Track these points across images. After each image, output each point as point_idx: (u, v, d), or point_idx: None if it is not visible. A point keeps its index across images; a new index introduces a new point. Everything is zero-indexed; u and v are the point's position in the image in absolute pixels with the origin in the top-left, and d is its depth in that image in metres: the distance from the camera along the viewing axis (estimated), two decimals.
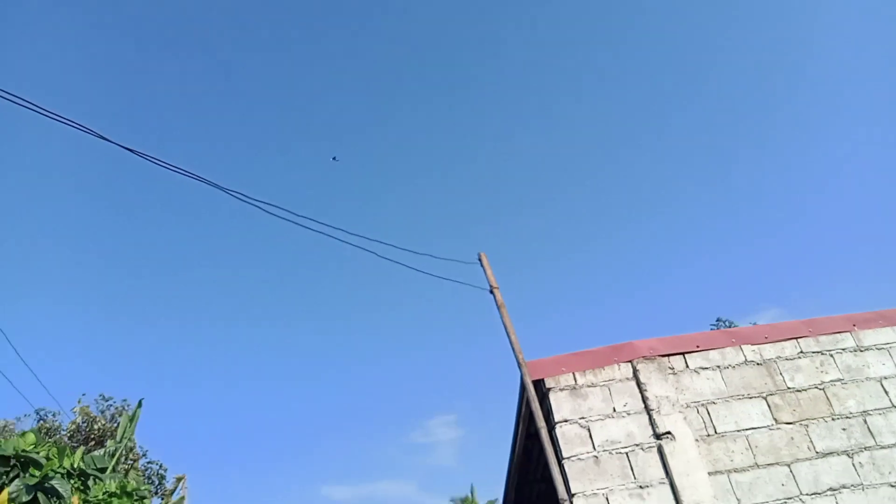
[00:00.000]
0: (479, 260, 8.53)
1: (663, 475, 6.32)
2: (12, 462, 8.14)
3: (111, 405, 24.33)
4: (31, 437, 8.58)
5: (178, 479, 22.36)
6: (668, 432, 6.48)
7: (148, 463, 23.33)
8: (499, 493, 9.62)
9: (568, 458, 6.42)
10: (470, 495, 37.67)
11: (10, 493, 7.89)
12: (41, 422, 22.77)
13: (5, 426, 22.20)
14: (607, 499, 6.22)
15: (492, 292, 8.17)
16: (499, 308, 8.02)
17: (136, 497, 10.05)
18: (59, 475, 8.35)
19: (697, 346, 7.13)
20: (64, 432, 22.63)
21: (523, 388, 7.16)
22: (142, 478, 19.66)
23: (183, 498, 20.84)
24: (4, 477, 8.03)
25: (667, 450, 6.40)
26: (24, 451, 8.20)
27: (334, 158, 44.93)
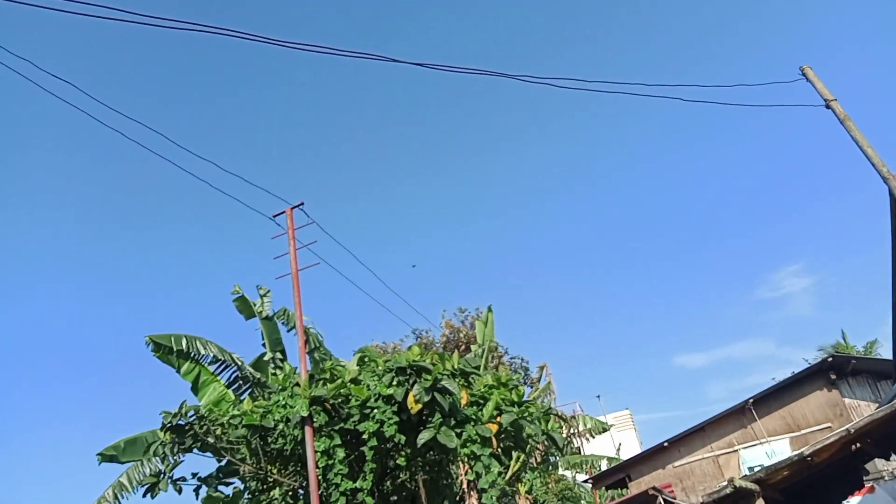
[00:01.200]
0: (803, 74, 7.25)
1: None
2: (408, 371, 9.63)
3: (468, 315, 27.38)
4: (416, 350, 10.02)
5: (541, 368, 24.45)
6: None
7: (511, 358, 25.91)
8: (878, 332, 8.45)
9: None
10: (842, 341, 34.07)
11: (414, 396, 9.38)
12: (419, 339, 26.66)
13: (395, 347, 26.56)
14: None
15: (828, 107, 6.90)
16: (842, 122, 6.76)
17: (510, 387, 11.18)
18: (445, 376, 9.63)
19: None
20: (438, 344, 26.22)
21: (894, 202, 6.02)
22: (509, 371, 21.93)
23: (549, 383, 22.75)
24: (406, 384, 9.55)
25: None
26: (414, 361, 9.63)
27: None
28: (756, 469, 13.00)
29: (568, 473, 23.41)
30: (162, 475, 10.65)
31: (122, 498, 14.48)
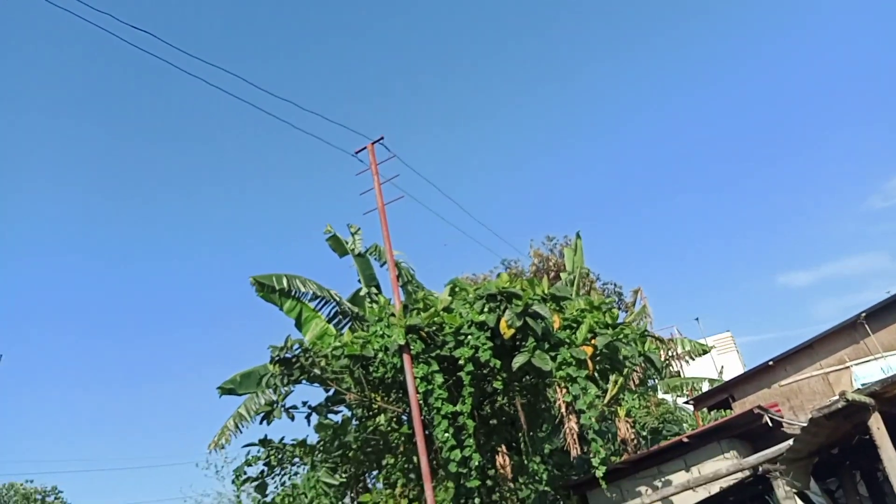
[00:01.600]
0: None
1: None
2: (499, 298, 9.72)
3: (556, 243, 27.15)
4: (505, 276, 10.08)
5: (635, 292, 24.05)
6: None
7: (603, 284, 25.61)
8: None
9: None
10: None
11: (506, 321, 9.49)
12: (508, 269, 26.76)
13: (485, 278, 26.81)
14: None
15: None
16: None
17: (603, 310, 11.09)
18: (536, 301, 9.66)
19: None
20: (527, 273, 26.25)
21: None
22: (602, 296, 21.71)
23: (644, 307, 22.38)
24: (497, 310, 9.66)
25: None
26: (504, 288, 9.70)
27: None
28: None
29: (668, 397, 23.25)
30: (275, 405, 11.42)
31: (242, 427, 15.66)
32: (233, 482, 11.93)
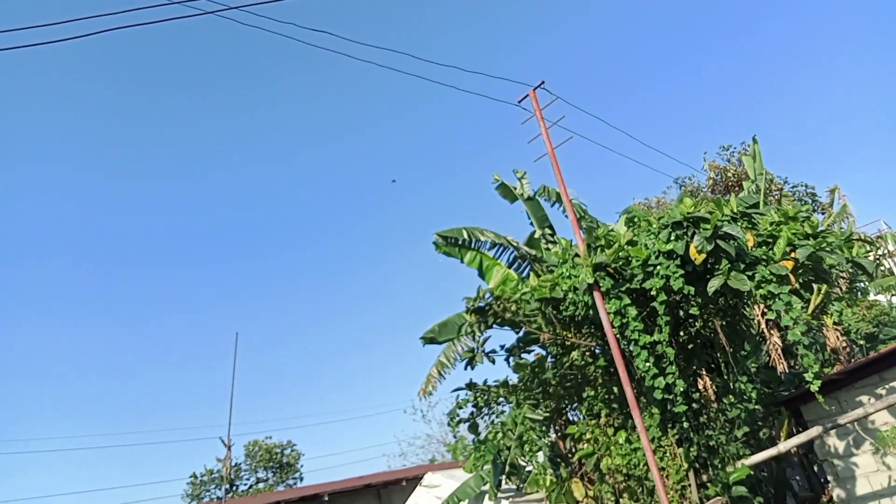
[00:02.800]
0: None
1: None
2: (684, 224, 9.50)
3: (733, 152, 25.43)
4: (688, 201, 9.80)
5: (831, 191, 22.02)
6: None
7: (793, 188, 23.69)
8: None
9: None
10: None
11: (695, 247, 9.29)
12: (682, 188, 25.60)
13: (658, 201, 25.89)
14: None
15: None
16: None
17: (800, 219, 10.41)
18: (725, 222, 9.33)
19: None
20: (704, 189, 24.94)
21: None
22: (794, 202, 20.15)
23: (844, 206, 20.47)
24: (685, 237, 9.46)
25: None
26: (689, 213, 9.46)
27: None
28: None
29: (882, 298, 21.28)
30: (475, 350, 12.19)
31: (444, 373, 16.84)
32: (448, 424, 13.01)
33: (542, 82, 11.61)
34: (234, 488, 39.05)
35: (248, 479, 40.31)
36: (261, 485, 40.12)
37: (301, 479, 41.62)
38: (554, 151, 11.36)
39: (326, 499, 23.78)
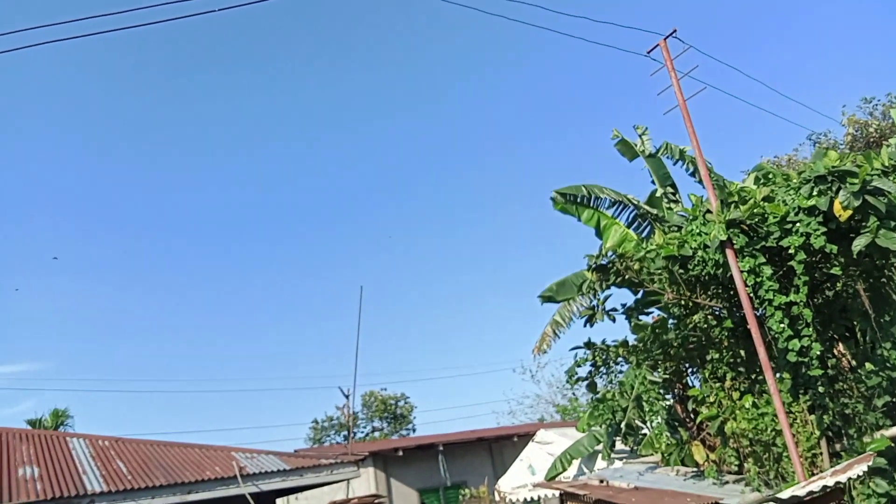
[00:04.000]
0: None
1: None
2: (829, 179, 8.96)
3: (876, 104, 23.40)
4: (833, 154, 9.24)
5: None
6: None
7: None
8: None
9: None
10: None
11: (840, 203, 8.76)
12: (816, 144, 23.91)
13: (790, 159, 24.34)
14: None
15: None
16: None
17: None
18: (875, 176, 8.72)
19: None
20: (842, 147, 23.18)
21: None
22: None
23: None
24: (829, 192, 8.94)
25: None
26: (834, 166, 8.91)
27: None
28: None
29: None
30: (595, 308, 12.17)
31: (560, 332, 16.91)
32: (566, 382, 13.14)
33: (675, 31, 11.15)
34: (353, 435, 41.37)
35: (364, 428, 42.52)
36: (376, 433, 42.22)
37: (413, 430, 43.41)
38: (686, 103, 10.93)
39: (441, 448, 24.72)
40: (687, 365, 13.32)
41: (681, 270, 10.96)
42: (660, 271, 11.21)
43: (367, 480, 23.20)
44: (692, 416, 12.74)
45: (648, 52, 11.48)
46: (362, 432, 42.14)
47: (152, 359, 64.57)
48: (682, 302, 11.98)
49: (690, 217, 10.87)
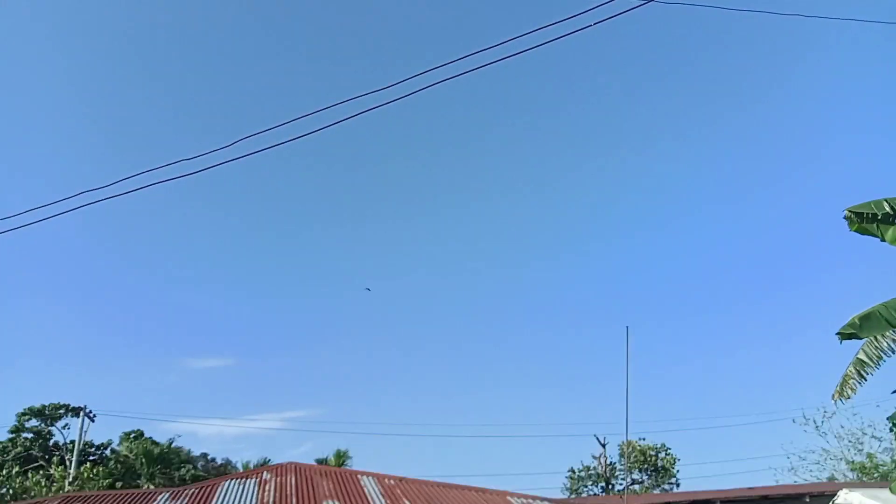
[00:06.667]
0: None
1: None
2: None
3: None
4: None
5: None
6: None
7: None
8: None
9: None
10: None
11: None
12: None
13: None
14: None
15: None
16: None
17: None
18: None
19: None
20: None
21: None
22: None
23: None
24: None
25: None
26: None
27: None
28: None
29: None
30: None
31: (866, 374, 14.47)
32: (890, 430, 11.08)
33: None
34: (611, 487, 39.57)
35: (622, 480, 40.47)
36: (636, 486, 39.92)
37: (678, 485, 40.21)
38: None
39: None
40: None
41: None
42: None
43: None
44: None
45: None
46: (621, 484, 40.12)
47: (410, 407, 68.63)
48: None
49: None
